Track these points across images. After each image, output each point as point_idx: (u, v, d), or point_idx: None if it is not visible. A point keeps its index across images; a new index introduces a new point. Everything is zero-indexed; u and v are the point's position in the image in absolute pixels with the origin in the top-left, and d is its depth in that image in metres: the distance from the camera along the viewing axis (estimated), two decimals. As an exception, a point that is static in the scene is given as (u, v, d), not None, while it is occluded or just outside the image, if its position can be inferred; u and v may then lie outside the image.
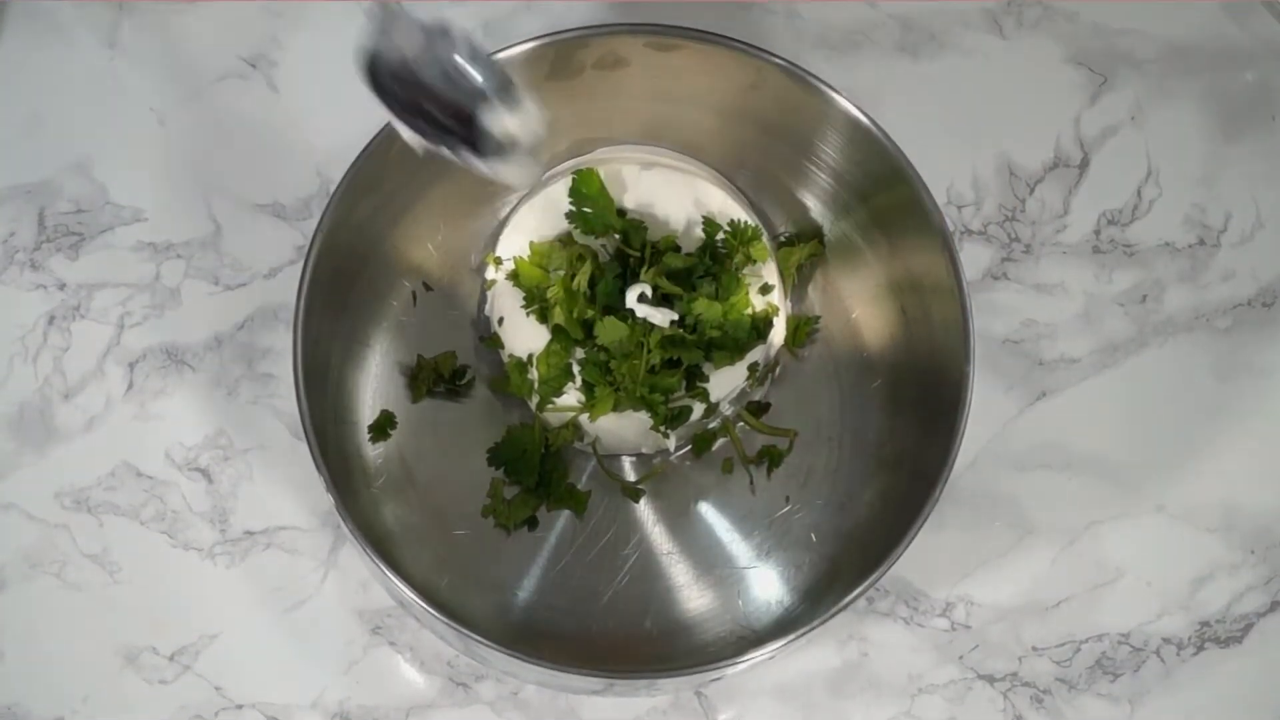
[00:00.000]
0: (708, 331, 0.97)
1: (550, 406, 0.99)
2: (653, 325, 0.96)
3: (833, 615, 0.88)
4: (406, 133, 0.80)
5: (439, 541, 0.98)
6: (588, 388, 0.98)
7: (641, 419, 0.99)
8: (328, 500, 0.88)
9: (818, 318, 1.03)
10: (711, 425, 1.01)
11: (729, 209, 1.00)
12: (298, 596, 1.01)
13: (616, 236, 0.99)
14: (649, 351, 0.96)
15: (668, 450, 1.01)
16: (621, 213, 1.00)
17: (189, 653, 0.99)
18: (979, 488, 1.04)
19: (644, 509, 1.01)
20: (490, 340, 1.01)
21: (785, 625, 0.89)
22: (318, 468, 0.88)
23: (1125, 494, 1.05)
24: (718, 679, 0.99)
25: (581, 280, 0.97)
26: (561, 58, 0.95)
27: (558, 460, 1.00)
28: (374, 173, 0.93)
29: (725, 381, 0.99)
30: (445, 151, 0.80)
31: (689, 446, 1.01)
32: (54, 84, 1.07)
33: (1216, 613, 1.04)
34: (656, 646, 0.98)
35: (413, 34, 0.77)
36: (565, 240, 1.00)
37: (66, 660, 0.99)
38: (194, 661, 0.99)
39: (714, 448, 1.02)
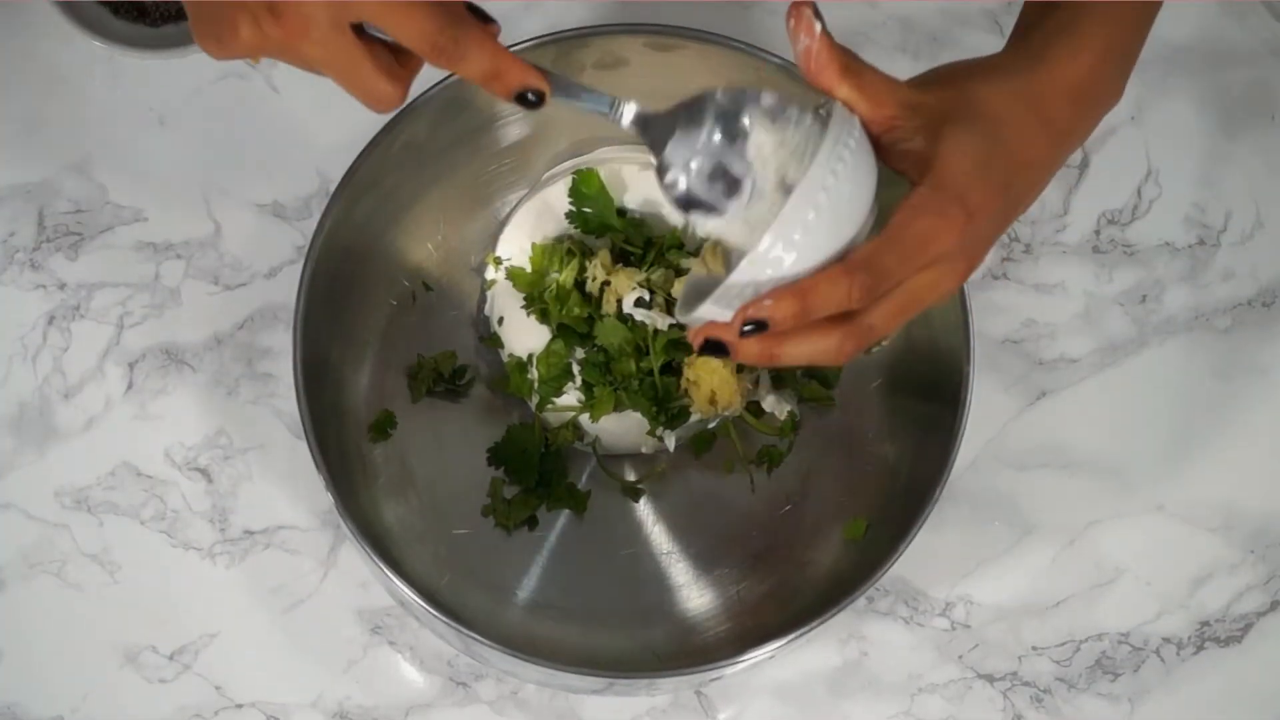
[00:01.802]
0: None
1: (550, 406, 0.99)
2: (656, 330, 0.96)
3: (833, 615, 0.88)
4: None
5: (439, 541, 0.99)
6: (587, 388, 0.98)
7: (641, 419, 0.99)
8: (327, 500, 0.88)
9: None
10: (711, 425, 1.01)
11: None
12: (297, 596, 1.01)
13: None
14: (652, 356, 0.96)
15: (668, 450, 1.01)
16: (621, 212, 1.00)
17: (189, 652, 0.99)
18: (978, 487, 1.04)
19: (644, 509, 1.01)
20: (490, 340, 1.01)
21: (785, 624, 0.89)
22: (317, 467, 0.88)
23: (1125, 494, 1.05)
24: (717, 678, 0.99)
25: (568, 277, 0.97)
26: (561, 57, 0.95)
27: (557, 460, 1.00)
28: (374, 172, 0.94)
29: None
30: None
31: (689, 446, 1.01)
32: (54, 84, 1.07)
33: (1216, 612, 1.04)
34: (656, 646, 0.98)
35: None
36: (565, 240, 1.00)
37: (66, 659, 0.99)
38: (194, 661, 0.99)
39: (713, 448, 1.02)
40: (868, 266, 0.68)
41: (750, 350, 0.70)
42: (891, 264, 0.68)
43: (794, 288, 0.68)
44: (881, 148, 0.71)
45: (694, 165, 0.73)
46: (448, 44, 0.67)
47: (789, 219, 0.67)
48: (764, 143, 0.72)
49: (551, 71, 0.71)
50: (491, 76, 0.69)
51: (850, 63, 0.70)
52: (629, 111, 0.73)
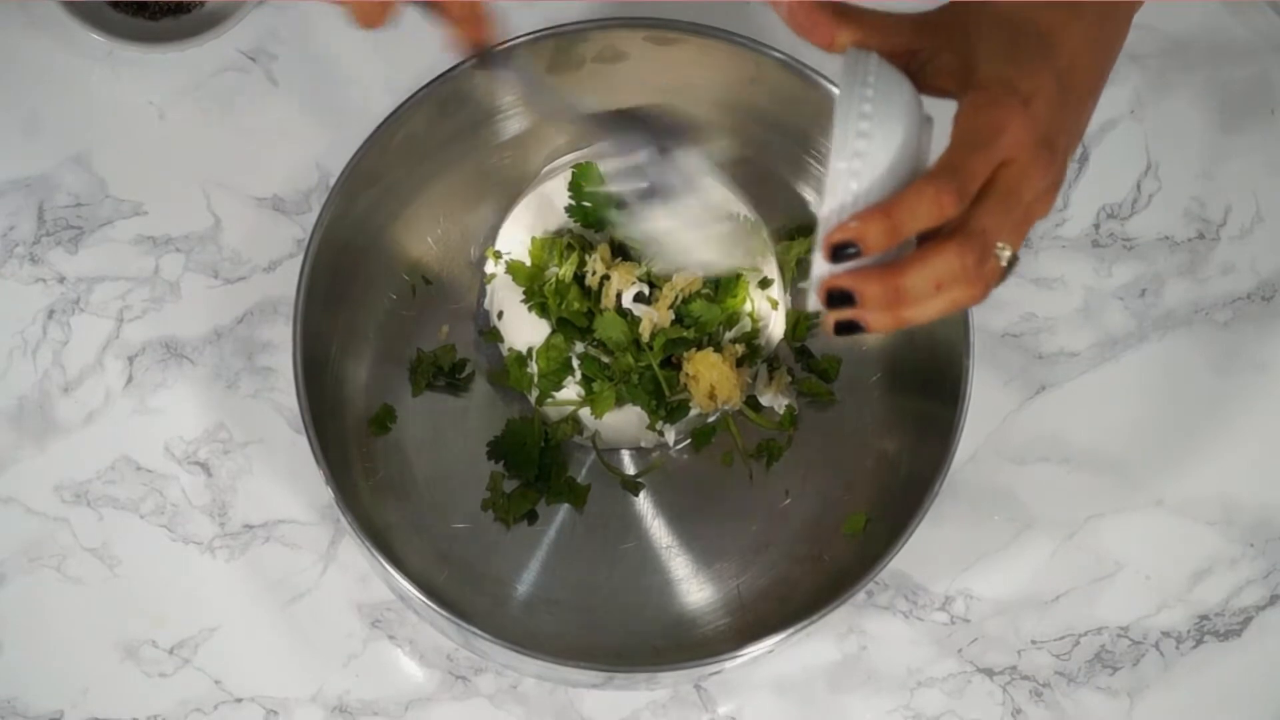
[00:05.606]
0: (706, 329, 0.98)
1: (550, 400, 0.99)
2: (655, 324, 0.96)
3: (832, 609, 0.88)
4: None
5: (438, 535, 0.99)
6: (587, 382, 0.98)
7: (641, 413, 0.99)
8: (327, 494, 0.88)
9: (818, 312, 1.02)
10: (711, 419, 1.01)
11: (729, 203, 1.00)
12: (297, 590, 1.01)
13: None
14: (651, 351, 0.97)
15: (667, 444, 1.01)
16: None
17: (189, 646, 0.99)
18: (978, 481, 1.04)
19: (643, 503, 1.01)
20: (490, 334, 1.01)
21: (784, 619, 0.89)
22: (317, 461, 0.88)
23: (1124, 488, 1.05)
24: (717, 672, 0.99)
25: (567, 271, 0.98)
26: (561, 51, 0.95)
27: (557, 454, 1.00)
28: (373, 166, 0.94)
29: (725, 375, 0.99)
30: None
31: (688, 440, 1.01)
32: (53, 78, 1.07)
33: (1215, 606, 1.04)
34: (656, 640, 0.98)
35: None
36: (565, 234, 1.00)
37: (66, 653, 0.99)
38: (194, 655, 0.99)
39: (713, 442, 1.02)
40: (945, 168, 0.67)
41: (873, 292, 0.67)
42: (969, 160, 0.67)
43: (878, 204, 0.67)
44: (913, 77, 0.70)
45: (658, 154, 0.74)
46: None
47: (841, 148, 0.66)
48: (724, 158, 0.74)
49: (523, 65, 0.73)
50: (469, 14, 0.73)
51: (842, 7, 0.70)
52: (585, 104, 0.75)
